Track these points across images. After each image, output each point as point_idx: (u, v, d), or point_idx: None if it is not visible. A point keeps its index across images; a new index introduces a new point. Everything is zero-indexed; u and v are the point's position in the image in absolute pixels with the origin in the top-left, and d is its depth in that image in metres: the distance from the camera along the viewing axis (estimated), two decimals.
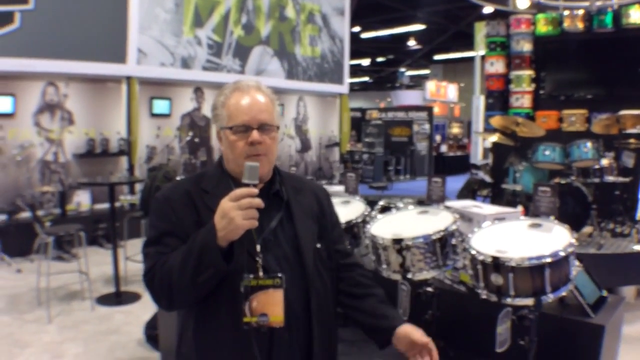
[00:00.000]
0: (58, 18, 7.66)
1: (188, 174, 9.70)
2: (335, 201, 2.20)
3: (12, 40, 7.25)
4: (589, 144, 5.64)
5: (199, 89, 10.17)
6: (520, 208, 5.34)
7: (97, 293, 5.68)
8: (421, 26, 19.13)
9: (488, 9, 12.50)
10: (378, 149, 17.59)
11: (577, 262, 2.34)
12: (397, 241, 2.47)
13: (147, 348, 4.44)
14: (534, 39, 7.91)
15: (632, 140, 6.00)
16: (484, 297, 2.31)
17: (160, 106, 9.48)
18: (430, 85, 23.51)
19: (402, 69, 27.31)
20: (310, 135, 12.97)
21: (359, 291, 1.84)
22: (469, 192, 7.90)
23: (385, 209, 3.43)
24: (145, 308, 5.28)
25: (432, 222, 2.63)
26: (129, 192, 8.62)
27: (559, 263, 2.11)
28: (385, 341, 1.76)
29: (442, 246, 2.47)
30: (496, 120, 6.54)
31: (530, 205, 5.40)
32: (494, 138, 6.78)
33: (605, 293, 2.87)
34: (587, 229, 5.84)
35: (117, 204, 6.10)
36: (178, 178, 6.46)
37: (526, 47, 7.89)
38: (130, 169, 8.76)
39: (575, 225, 4.56)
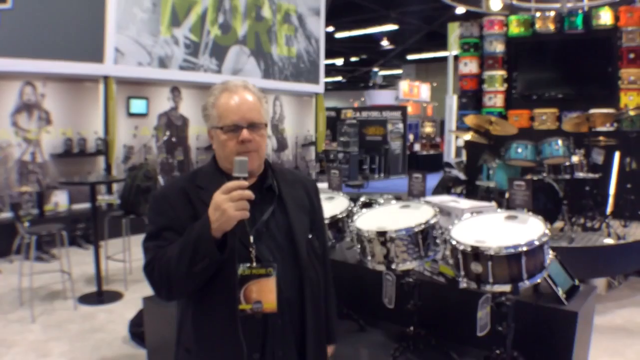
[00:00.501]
0: (36, 18, 7.63)
1: (165, 173, 9.74)
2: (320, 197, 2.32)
3: None
4: (560, 142, 5.81)
5: (176, 89, 10.19)
6: (494, 204, 5.51)
7: (78, 292, 5.69)
8: (394, 26, 19.31)
9: (460, 10, 12.72)
10: (353, 148, 17.75)
11: (551, 252, 2.48)
12: (382, 234, 2.60)
13: (132, 345, 4.50)
14: (506, 40, 8.08)
15: (601, 138, 6.21)
16: (464, 285, 2.44)
17: (138, 106, 9.48)
18: (404, 85, 23.73)
19: (376, 69, 27.50)
20: (286, 135, 13.06)
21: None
22: (443, 189, 8.05)
23: (366, 205, 3.55)
24: (128, 307, 5.33)
25: (414, 215, 2.76)
26: (107, 192, 8.62)
27: (534, 251, 2.26)
28: None
29: (424, 238, 2.60)
30: (470, 119, 6.71)
31: (503, 201, 5.59)
32: (468, 136, 6.92)
33: (577, 282, 3.04)
34: (559, 224, 6.04)
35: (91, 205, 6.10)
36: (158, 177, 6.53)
37: (499, 48, 8.07)
38: (108, 168, 8.76)
39: (547, 220, 4.74)
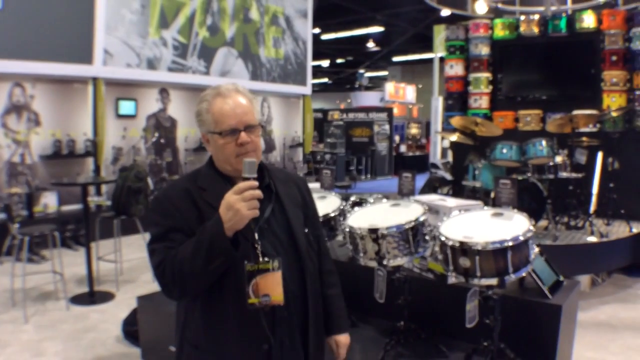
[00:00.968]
0: (25, 19, 7.65)
1: (154, 175, 9.77)
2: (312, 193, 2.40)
3: None
4: (544, 143, 5.92)
5: (164, 90, 10.23)
6: (480, 203, 5.62)
7: (70, 293, 5.72)
8: (380, 28, 19.45)
9: (446, 12, 12.85)
10: (340, 150, 17.87)
11: (535, 247, 2.59)
12: (373, 231, 2.70)
13: (126, 344, 4.55)
14: (491, 42, 8.19)
15: (584, 139, 6.35)
16: (453, 279, 2.55)
17: (126, 107, 9.51)
18: (389, 87, 23.87)
19: (361, 70, 27.65)
20: (274, 136, 13.12)
21: (324, 279, 2.01)
22: (430, 189, 8.15)
23: (357, 204, 3.64)
24: (120, 307, 5.38)
25: (404, 213, 2.86)
26: (96, 194, 8.64)
27: (520, 246, 2.37)
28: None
29: (414, 235, 2.70)
30: (456, 121, 6.82)
31: (489, 201, 5.71)
32: (454, 137, 7.03)
33: (562, 278, 3.15)
34: (543, 223, 6.17)
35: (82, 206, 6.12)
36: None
37: (484, 50, 8.18)
38: (97, 170, 8.78)
39: (532, 219, 4.84)
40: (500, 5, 10.73)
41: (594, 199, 6.92)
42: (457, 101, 8.54)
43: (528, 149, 6.01)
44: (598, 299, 5.70)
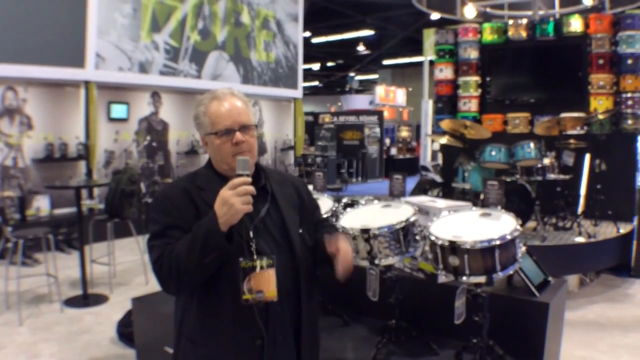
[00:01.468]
0: (17, 23, 7.67)
1: (146, 178, 9.79)
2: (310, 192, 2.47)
3: None
4: (532, 145, 6.02)
5: (156, 94, 10.26)
6: (469, 204, 5.70)
7: (64, 296, 5.75)
8: (370, 32, 19.55)
9: (435, 16, 12.94)
10: (331, 153, 17.95)
11: (522, 246, 2.66)
12: (365, 231, 2.76)
13: (120, 346, 4.58)
14: (480, 46, 8.27)
15: (571, 141, 6.44)
16: (443, 278, 2.62)
17: (118, 110, 9.54)
18: (380, 90, 23.99)
19: (352, 74, 27.75)
20: (265, 139, 13.17)
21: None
22: (420, 191, 8.23)
23: (349, 205, 3.71)
24: (114, 309, 5.42)
25: (395, 214, 2.93)
26: (88, 197, 8.66)
27: (507, 245, 2.45)
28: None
29: (405, 235, 2.77)
30: (446, 124, 6.89)
31: (478, 202, 5.79)
32: (444, 140, 7.10)
33: (549, 277, 3.23)
34: (532, 224, 6.26)
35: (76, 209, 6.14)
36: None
37: (473, 54, 8.27)
38: (89, 173, 8.80)
39: (520, 220, 4.92)
40: (488, 10, 10.85)
41: (581, 200, 7.03)
42: (447, 104, 8.62)
43: (516, 151, 6.10)
44: (586, 298, 5.79)
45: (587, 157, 7.00)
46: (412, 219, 2.81)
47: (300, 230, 1.97)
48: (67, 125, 8.72)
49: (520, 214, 5.82)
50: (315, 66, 26.92)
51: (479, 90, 8.31)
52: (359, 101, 25.68)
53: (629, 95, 7.05)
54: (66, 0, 8.33)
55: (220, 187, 1.74)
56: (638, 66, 7.07)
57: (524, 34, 7.82)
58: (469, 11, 10.24)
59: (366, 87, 31.86)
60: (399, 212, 2.94)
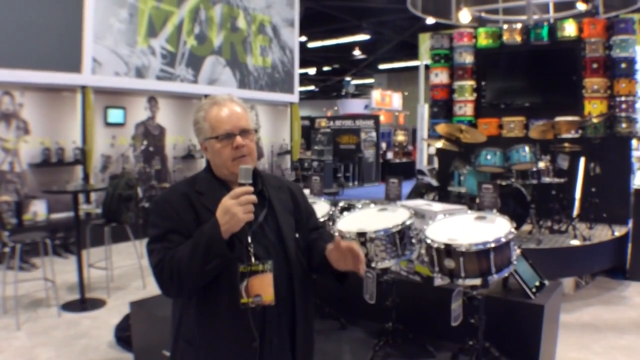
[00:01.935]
0: (13, 27, 7.69)
1: (143, 182, 9.80)
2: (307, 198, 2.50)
3: None
4: (527, 149, 6.06)
5: (152, 98, 10.28)
6: (465, 207, 5.74)
7: (61, 300, 5.75)
8: (366, 36, 19.61)
9: (431, 20, 13.00)
10: (327, 157, 18.01)
11: (517, 248, 2.70)
12: (362, 234, 2.80)
13: (118, 350, 4.59)
14: (475, 51, 8.31)
15: (566, 144, 6.48)
16: (439, 281, 2.65)
17: (115, 115, 9.54)
18: (376, 94, 24.04)
19: (348, 78, 27.82)
20: (262, 144, 13.19)
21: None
22: (417, 195, 8.24)
23: (345, 209, 3.74)
24: (112, 313, 5.43)
25: (391, 217, 2.96)
26: (85, 201, 8.66)
27: (502, 248, 2.48)
28: (340, 274, 1.93)
29: (401, 238, 2.80)
30: (441, 128, 6.92)
31: (474, 206, 5.83)
32: (440, 144, 7.13)
33: (546, 280, 3.26)
34: (527, 227, 6.30)
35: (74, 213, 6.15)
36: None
37: (468, 59, 8.30)
38: (86, 178, 8.80)
39: (515, 223, 4.94)
40: (483, 15, 10.91)
41: (576, 203, 7.07)
42: (443, 109, 8.64)
43: (512, 155, 6.14)
44: (582, 301, 5.82)
45: (582, 160, 7.04)
46: (408, 223, 2.84)
47: (297, 235, 1.99)
48: (64, 130, 8.73)
49: (516, 217, 5.86)
50: (312, 71, 26.98)
51: (474, 95, 8.34)
52: (355, 105, 25.76)
53: (622, 98, 7.11)
54: (62, 6, 8.35)
55: (220, 191, 1.77)
56: (632, 70, 7.14)
57: (518, 38, 7.86)
58: (464, 16, 10.29)
59: (362, 92, 31.93)
60: (395, 216, 2.97)
